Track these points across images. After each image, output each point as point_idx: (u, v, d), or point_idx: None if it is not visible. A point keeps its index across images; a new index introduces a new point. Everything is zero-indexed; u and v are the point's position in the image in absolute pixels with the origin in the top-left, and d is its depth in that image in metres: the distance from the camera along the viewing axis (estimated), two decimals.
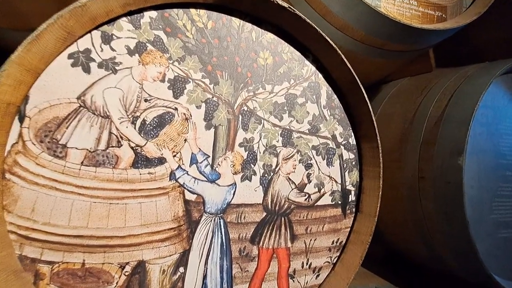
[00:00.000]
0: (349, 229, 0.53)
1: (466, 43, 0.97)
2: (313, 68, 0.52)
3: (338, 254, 0.53)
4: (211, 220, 0.45)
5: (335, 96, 0.53)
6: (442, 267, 0.73)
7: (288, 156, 0.49)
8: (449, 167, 0.62)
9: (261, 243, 0.48)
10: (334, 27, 0.64)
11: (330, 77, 0.53)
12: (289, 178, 0.50)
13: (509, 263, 0.71)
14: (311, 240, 0.51)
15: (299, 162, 0.50)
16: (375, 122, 0.50)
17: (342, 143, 0.53)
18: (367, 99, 0.50)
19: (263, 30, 0.49)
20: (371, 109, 0.50)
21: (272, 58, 0.49)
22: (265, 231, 0.48)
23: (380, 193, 0.50)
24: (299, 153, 0.50)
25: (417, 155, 0.69)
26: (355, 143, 0.54)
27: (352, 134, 0.54)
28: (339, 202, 0.53)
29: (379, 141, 0.50)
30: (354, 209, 0.54)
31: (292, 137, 0.50)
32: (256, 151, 0.48)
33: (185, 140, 0.44)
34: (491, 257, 0.68)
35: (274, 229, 0.48)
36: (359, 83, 0.50)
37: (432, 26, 0.63)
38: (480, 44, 0.95)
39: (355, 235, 0.52)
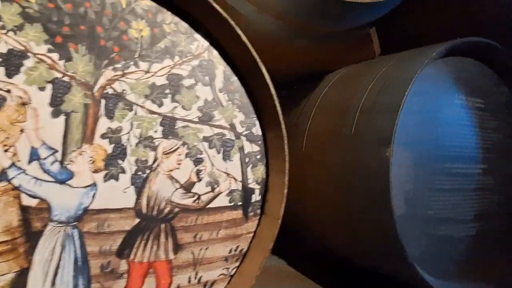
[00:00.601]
0: (252, 234, 0.46)
1: (416, 26, 0.90)
2: (206, 43, 0.43)
3: (237, 264, 0.45)
4: (59, 231, 0.36)
5: (235, 78, 0.45)
6: (375, 268, 0.68)
7: (171, 150, 0.41)
8: (376, 160, 0.55)
9: (132, 256, 0.39)
10: (252, 4, 0.55)
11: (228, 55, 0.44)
12: (172, 176, 0.41)
13: (446, 262, 0.66)
14: (201, 249, 0.43)
15: (186, 157, 0.42)
16: (278, 108, 0.42)
17: (244, 133, 0.45)
18: (268, 81, 0.42)
19: None
20: (273, 93, 0.42)
21: (149, 30, 0.40)
22: (138, 242, 0.40)
23: (286, 191, 0.43)
24: (186, 146, 0.42)
25: (347, 147, 0.62)
26: (260, 134, 0.46)
27: (257, 123, 0.46)
28: (239, 203, 0.45)
29: (283, 130, 0.42)
30: (259, 211, 0.46)
31: (176, 127, 0.41)
32: (125, 144, 0.39)
33: (22, 130, 0.34)
34: (427, 255, 0.63)
35: (151, 238, 0.40)
36: (259, 62, 0.41)
37: None
38: (433, 26, 0.89)
39: (257, 240, 0.44)
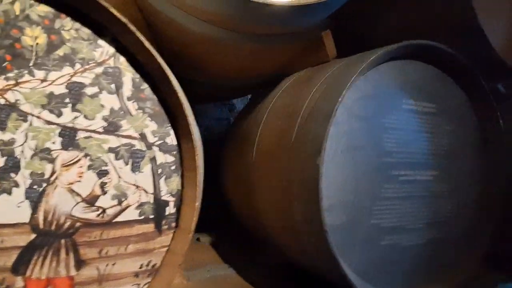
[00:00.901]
0: (166, 248, 0.44)
1: (377, 28, 0.88)
2: (112, 50, 0.41)
3: (149, 279, 0.43)
4: None
5: (146, 85, 0.43)
6: (323, 278, 0.66)
7: (71, 162, 0.39)
8: (309, 169, 0.53)
9: (28, 272, 0.38)
10: (181, 9, 0.53)
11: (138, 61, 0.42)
12: (73, 190, 0.39)
13: (395, 272, 0.65)
14: (107, 265, 0.41)
15: (88, 169, 0.40)
16: (189, 117, 0.40)
17: (156, 143, 0.43)
18: (177, 88, 0.40)
19: (32, 1, 0.38)
20: (183, 102, 0.41)
21: (45, 37, 0.39)
22: (35, 258, 0.38)
23: (198, 204, 0.41)
24: (89, 158, 0.40)
25: (288, 154, 0.60)
26: (175, 143, 0.44)
27: (172, 132, 0.44)
28: (151, 217, 0.43)
29: (195, 140, 0.41)
30: (173, 224, 0.44)
31: (77, 138, 0.40)
32: (19, 157, 0.37)
33: None
34: (371, 266, 0.61)
35: (50, 254, 0.38)
36: (166, 69, 0.40)
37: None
38: (394, 28, 0.87)
39: (170, 255, 0.43)
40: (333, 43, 0.76)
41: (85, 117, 0.40)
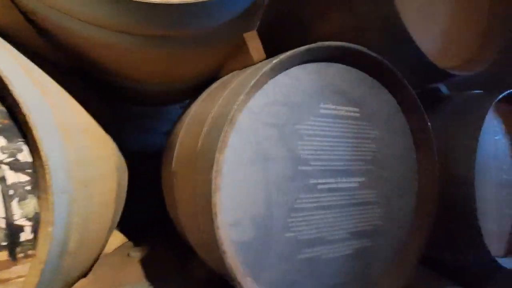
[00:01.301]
0: (23, 278, 0.38)
1: (311, 35, 0.86)
2: None
3: None
4: None
5: None
6: None
7: None
8: (205, 182, 0.49)
9: None
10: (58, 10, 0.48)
11: None
12: None
13: (317, 286, 0.61)
14: None
15: None
16: (34, 131, 0.35)
17: (5, 161, 0.38)
18: (19, 98, 0.35)
19: None
20: (26, 113, 0.35)
21: None
22: None
23: (51, 229, 0.36)
24: None
25: (194, 165, 0.56)
26: (30, 161, 0.39)
27: (25, 148, 0.39)
28: (3, 243, 0.38)
29: (43, 157, 0.36)
30: (31, 252, 0.39)
31: None
32: None
33: None
34: (287, 282, 0.57)
35: None
36: (5, 77, 0.34)
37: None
38: (326, 35, 0.84)
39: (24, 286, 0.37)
40: (260, 46, 0.72)
41: None
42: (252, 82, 0.49)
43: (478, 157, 0.86)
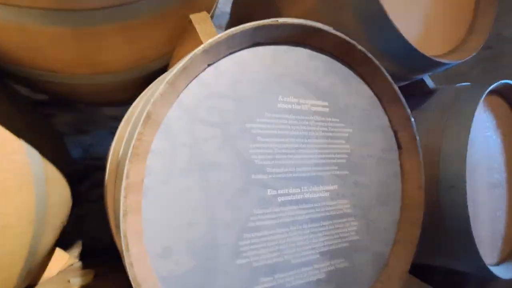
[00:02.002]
0: None
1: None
2: None
3: None
4: None
5: None
6: None
7: None
8: (116, 202, 0.37)
9: None
10: None
11: None
12: None
13: None
14: None
15: None
16: None
17: None
18: None
19: None
20: None
21: None
22: None
23: None
24: None
25: (115, 175, 0.44)
26: None
27: None
28: None
29: None
30: None
31: None
32: None
33: None
34: None
35: None
36: None
37: None
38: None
39: None
40: (212, 29, 0.60)
41: None
42: (177, 68, 0.37)
43: (468, 156, 0.76)
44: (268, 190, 0.48)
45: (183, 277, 0.41)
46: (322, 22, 0.62)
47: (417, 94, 0.93)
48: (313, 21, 0.49)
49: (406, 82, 0.87)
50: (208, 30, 0.60)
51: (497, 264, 0.88)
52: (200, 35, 0.58)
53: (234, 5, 1.07)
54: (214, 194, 0.43)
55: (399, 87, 0.86)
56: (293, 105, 0.51)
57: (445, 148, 0.73)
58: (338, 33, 0.51)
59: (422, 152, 0.74)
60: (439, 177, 0.74)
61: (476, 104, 0.73)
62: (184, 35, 0.62)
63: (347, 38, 0.52)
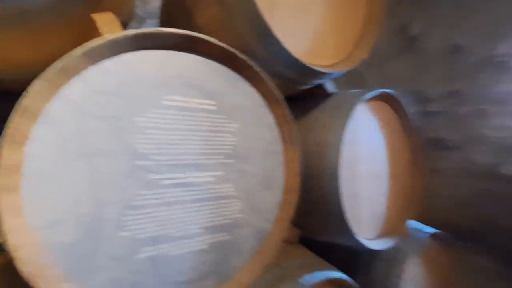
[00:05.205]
0: None
1: (191, 25, 0.82)
2: None
3: None
4: None
5: None
6: None
7: None
8: None
9: None
10: None
11: None
12: None
13: (164, 285, 0.59)
14: None
15: None
16: None
17: None
18: None
19: None
20: None
21: None
22: None
23: None
24: None
25: None
26: None
27: None
28: None
29: None
30: None
31: None
32: None
33: None
34: (127, 285, 0.54)
35: None
36: None
37: None
38: (202, 24, 0.81)
39: None
40: (115, 29, 0.66)
41: None
42: (55, 66, 0.44)
43: (352, 150, 0.92)
44: (152, 174, 0.57)
45: (71, 245, 0.48)
46: (223, 30, 0.71)
47: (319, 96, 1.07)
48: (214, 27, 0.58)
49: (309, 86, 1.00)
50: (112, 30, 0.66)
51: (376, 239, 1.07)
52: (103, 34, 0.64)
53: (162, 2, 1.12)
54: (100, 177, 0.51)
55: (303, 90, 1.01)
56: (179, 103, 0.60)
57: (328, 142, 0.88)
58: (221, 44, 0.61)
59: (315, 146, 0.88)
60: (324, 167, 0.89)
61: (354, 107, 0.89)
62: (92, 35, 0.67)
63: (229, 48, 0.62)
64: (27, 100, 0.41)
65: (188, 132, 0.61)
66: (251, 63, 0.66)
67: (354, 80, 1.03)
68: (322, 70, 0.81)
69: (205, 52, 0.63)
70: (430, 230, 1.16)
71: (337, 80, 1.10)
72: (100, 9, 0.65)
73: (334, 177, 0.84)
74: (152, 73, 0.56)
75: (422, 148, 1.17)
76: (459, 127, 2.29)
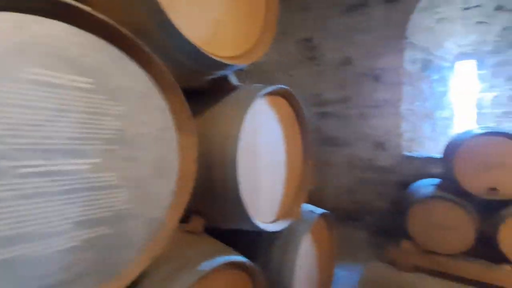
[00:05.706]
0: None
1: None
2: None
3: None
4: None
5: None
6: None
7: None
8: None
9: None
10: None
11: None
12: None
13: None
14: None
15: None
16: None
17: None
18: None
19: None
20: None
21: None
22: None
23: None
24: None
25: None
26: None
27: None
28: None
29: None
30: None
31: None
32: None
33: None
34: None
35: None
36: None
37: None
38: (102, 7, 0.71)
39: None
40: None
41: None
42: None
43: (252, 141, 0.95)
44: (5, 161, 0.47)
45: None
46: (121, 14, 0.63)
47: (225, 89, 1.08)
48: (111, 9, 0.49)
49: (211, 77, 0.99)
50: None
51: (273, 222, 1.13)
52: None
53: None
54: None
55: (210, 83, 0.99)
56: (45, 78, 0.51)
57: (229, 133, 0.89)
58: (101, 16, 0.55)
59: (219, 137, 0.88)
60: (224, 157, 0.89)
61: (252, 100, 0.92)
62: None
63: (109, 20, 0.56)
64: None
65: (56, 112, 0.53)
66: (140, 43, 0.61)
67: (267, 82, 1.07)
68: (220, 60, 0.82)
69: (82, 23, 0.55)
70: (320, 211, 1.30)
71: (251, 80, 1.12)
72: None
73: (233, 166, 0.86)
74: (3, 40, 0.46)
75: (312, 141, 1.29)
76: (348, 127, 2.68)
